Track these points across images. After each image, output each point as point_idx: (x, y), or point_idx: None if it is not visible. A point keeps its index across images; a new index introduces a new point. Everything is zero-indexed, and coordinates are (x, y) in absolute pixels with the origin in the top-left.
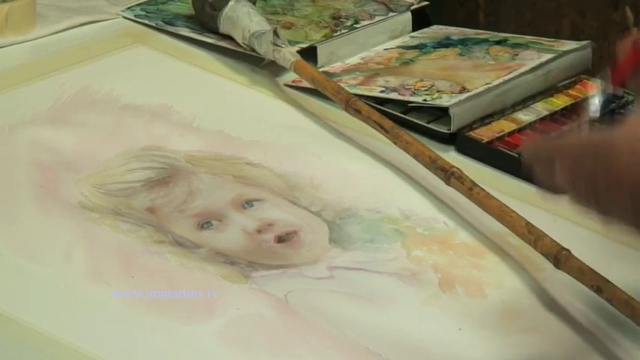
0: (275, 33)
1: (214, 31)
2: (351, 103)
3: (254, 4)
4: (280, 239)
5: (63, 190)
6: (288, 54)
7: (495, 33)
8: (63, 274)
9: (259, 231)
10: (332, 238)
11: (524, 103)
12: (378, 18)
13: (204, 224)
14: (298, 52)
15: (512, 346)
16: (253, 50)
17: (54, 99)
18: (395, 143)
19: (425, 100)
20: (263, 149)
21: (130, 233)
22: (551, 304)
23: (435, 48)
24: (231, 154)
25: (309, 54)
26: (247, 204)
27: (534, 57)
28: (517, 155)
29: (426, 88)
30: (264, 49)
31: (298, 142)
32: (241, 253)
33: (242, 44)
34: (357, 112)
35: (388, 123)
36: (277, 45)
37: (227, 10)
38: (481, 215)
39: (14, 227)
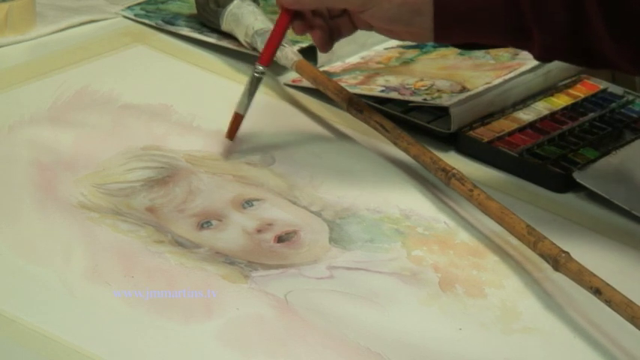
0: None
1: (215, 28)
2: (353, 104)
3: (258, 4)
4: (280, 239)
5: (62, 189)
6: (291, 53)
7: None
8: (62, 273)
9: (259, 231)
10: (332, 238)
11: (524, 102)
12: None
13: (204, 224)
14: (299, 51)
15: (512, 345)
16: (254, 49)
17: (53, 98)
18: (396, 144)
19: (425, 99)
20: (263, 149)
21: (130, 233)
22: (551, 304)
23: (435, 47)
24: (231, 154)
25: (309, 53)
26: (247, 204)
27: None
28: (518, 155)
29: (426, 88)
30: None
31: (298, 141)
32: (241, 252)
33: (244, 42)
34: (358, 112)
35: (389, 124)
36: (281, 44)
37: (232, 7)
38: (481, 215)
39: (14, 227)
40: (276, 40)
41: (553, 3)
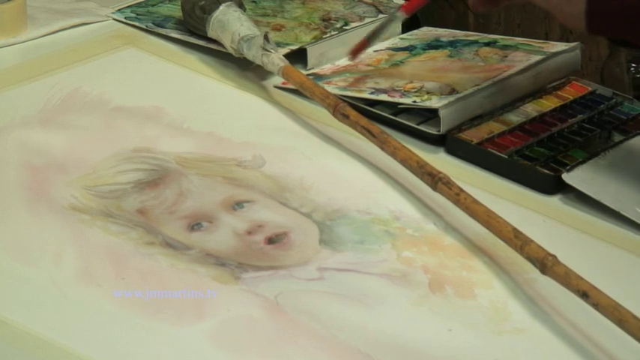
0: (265, 37)
1: (201, 35)
2: (339, 109)
3: (244, 11)
4: (270, 240)
5: (53, 192)
6: (277, 59)
7: (485, 35)
8: (53, 275)
9: (249, 232)
10: (322, 240)
11: (513, 104)
12: (367, 20)
13: (195, 226)
14: (288, 53)
15: (501, 346)
16: (241, 55)
17: (45, 101)
18: (382, 149)
19: (414, 101)
20: (253, 151)
21: (121, 235)
22: (541, 305)
23: (424, 50)
24: (222, 156)
25: (299, 56)
26: (237, 205)
27: (524, 58)
28: (507, 157)
29: (415, 90)
30: (253, 53)
31: (288, 143)
32: (231, 254)
33: (230, 48)
34: (344, 118)
35: (376, 129)
36: (267, 50)
37: (218, 13)
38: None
39: (5, 229)
40: None
41: None
